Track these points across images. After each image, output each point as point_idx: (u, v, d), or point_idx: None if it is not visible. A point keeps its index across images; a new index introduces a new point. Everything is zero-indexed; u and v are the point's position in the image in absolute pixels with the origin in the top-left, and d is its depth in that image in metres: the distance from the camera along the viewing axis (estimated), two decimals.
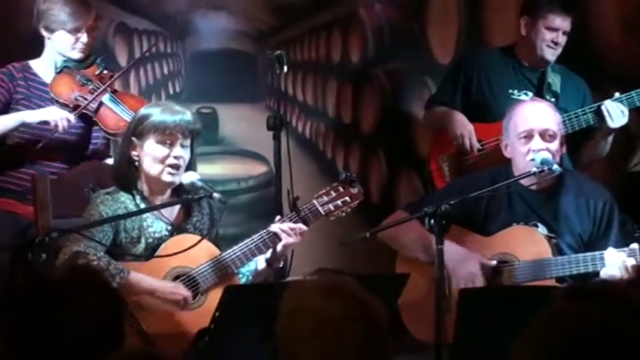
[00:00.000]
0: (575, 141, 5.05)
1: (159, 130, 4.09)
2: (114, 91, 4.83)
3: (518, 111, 4.59)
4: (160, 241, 4.10)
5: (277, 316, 2.27)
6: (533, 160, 4.42)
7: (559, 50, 5.21)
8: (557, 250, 4.43)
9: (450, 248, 4.22)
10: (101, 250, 3.98)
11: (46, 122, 4.61)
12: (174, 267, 4.08)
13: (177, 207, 4.20)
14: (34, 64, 4.83)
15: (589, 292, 2.34)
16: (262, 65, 5.96)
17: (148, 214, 4.10)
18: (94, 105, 4.73)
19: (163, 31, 5.89)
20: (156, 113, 4.12)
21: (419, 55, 6.25)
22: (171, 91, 5.98)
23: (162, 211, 4.15)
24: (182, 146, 4.10)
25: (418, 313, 4.33)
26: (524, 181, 4.47)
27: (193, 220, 4.20)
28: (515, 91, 5.22)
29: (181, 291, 4.05)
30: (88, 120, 4.77)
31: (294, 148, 4.52)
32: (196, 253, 4.04)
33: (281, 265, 4.22)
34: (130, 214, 4.04)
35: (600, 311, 2.08)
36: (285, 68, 4.54)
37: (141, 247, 4.08)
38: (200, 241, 4.03)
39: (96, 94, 4.71)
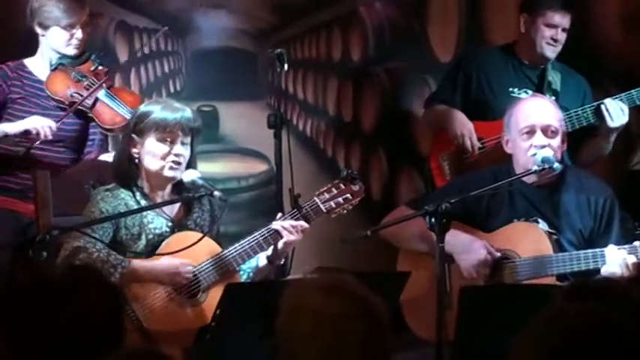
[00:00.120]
0: (576, 139, 5.04)
1: (159, 127, 4.08)
2: (109, 87, 4.83)
3: (520, 107, 4.58)
4: (161, 237, 4.09)
5: (277, 314, 2.27)
6: (534, 155, 4.41)
7: (559, 47, 5.20)
8: (558, 247, 4.42)
9: (455, 237, 4.22)
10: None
11: (28, 132, 4.59)
12: None
13: (177, 203, 4.20)
14: (28, 62, 4.82)
15: (590, 290, 2.35)
16: (263, 63, 5.95)
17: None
18: (89, 101, 4.72)
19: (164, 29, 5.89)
20: (156, 111, 4.12)
21: (419, 53, 6.25)
22: (171, 89, 5.97)
23: (163, 207, 4.15)
24: (182, 144, 4.10)
25: (419, 310, 4.33)
26: (524, 178, 4.46)
27: (194, 217, 4.20)
28: (515, 90, 5.21)
29: (182, 268, 4.03)
30: (84, 116, 4.77)
31: (294, 147, 4.52)
32: (198, 250, 4.04)
33: (282, 263, 4.21)
34: (130, 212, 4.03)
35: (601, 309, 2.07)
36: (286, 66, 4.53)
37: (141, 243, 4.07)
38: (202, 238, 4.03)
39: (91, 90, 4.71)
